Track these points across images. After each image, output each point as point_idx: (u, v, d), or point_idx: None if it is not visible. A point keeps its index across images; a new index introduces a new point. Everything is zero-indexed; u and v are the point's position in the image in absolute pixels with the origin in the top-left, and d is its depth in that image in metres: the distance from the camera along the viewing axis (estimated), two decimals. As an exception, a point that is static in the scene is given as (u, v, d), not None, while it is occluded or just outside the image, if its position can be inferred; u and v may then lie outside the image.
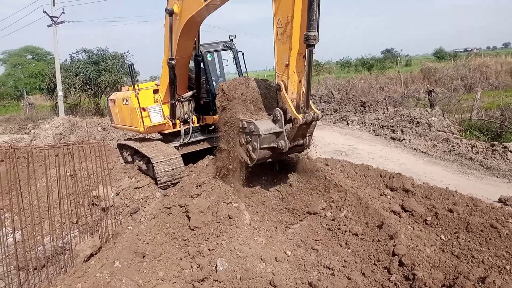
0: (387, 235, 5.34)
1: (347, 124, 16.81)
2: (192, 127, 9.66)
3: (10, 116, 32.79)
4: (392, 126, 14.47)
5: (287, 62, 5.68)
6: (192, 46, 8.87)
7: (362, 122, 16.33)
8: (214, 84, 9.60)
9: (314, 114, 5.92)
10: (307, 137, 6.32)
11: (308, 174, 7.03)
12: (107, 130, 17.20)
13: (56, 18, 27.99)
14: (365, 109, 17.93)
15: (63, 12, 28.34)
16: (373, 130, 14.97)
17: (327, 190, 6.58)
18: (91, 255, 6.13)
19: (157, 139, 9.93)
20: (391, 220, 5.64)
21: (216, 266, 4.91)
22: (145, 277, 4.72)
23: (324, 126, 17.15)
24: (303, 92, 5.85)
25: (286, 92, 5.83)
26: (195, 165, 9.08)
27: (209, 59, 9.66)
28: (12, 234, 7.31)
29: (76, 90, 32.35)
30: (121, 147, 10.57)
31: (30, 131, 22.11)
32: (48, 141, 16.76)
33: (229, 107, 6.59)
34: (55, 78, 28.32)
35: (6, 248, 6.70)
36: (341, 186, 6.52)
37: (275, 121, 6.00)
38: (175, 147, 9.20)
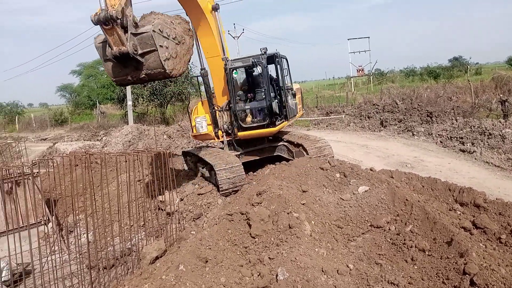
0: (457, 252, 5.06)
1: (413, 135, 16.23)
2: (235, 139, 9.79)
3: (84, 124, 35.24)
4: (462, 138, 13.75)
5: None
6: (214, 43, 9.14)
7: (428, 133, 15.69)
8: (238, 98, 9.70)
9: (107, 12, 5.51)
10: (126, 45, 5.82)
11: (371, 186, 6.86)
12: (172, 138, 17.87)
13: (127, 32, 29.62)
14: (431, 120, 17.20)
15: (133, 27, 29.95)
16: (441, 142, 14.34)
17: (391, 203, 6.37)
18: (157, 258, 6.37)
19: (220, 148, 10.20)
20: (461, 236, 5.34)
21: (276, 275, 4.91)
22: (208, 282, 4.83)
23: (388, 137, 16.67)
24: None
25: None
26: (255, 173, 9.19)
27: (235, 75, 9.57)
28: (85, 235, 7.81)
29: (144, 100, 34.05)
30: (185, 154, 10.95)
31: (101, 138, 23.56)
32: (118, 147, 17.73)
33: None
34: (125, 88, 29.94)
35: (80, 247, 7.16)
36: (406, 199, 6.28)
37: None
38: (236, 155, 9.38)
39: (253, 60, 9.15)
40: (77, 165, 10.00)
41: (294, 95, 10.12)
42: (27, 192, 7.96)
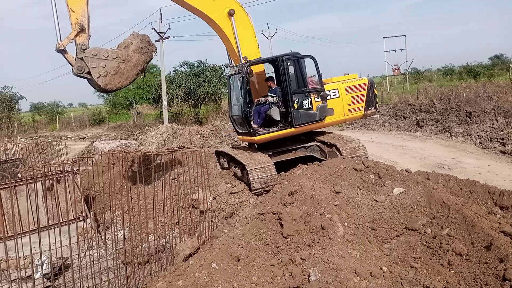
0: (496, 257, 4.88)
1: (450, 135, 15.75)
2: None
3: (120, 124, 36.18)
4: (502, 139, 13.23)
5: None
6: (232, 48, 9.69)
7: (467, 134, 15.18)
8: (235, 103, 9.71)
9: (56, 45, 7.70)
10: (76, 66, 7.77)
11: (407, 188, 6.71)
12: (205, 137, 18.08)
13: (163, 34, 30.22)
14: (470, 120, 16.63)
15: (169, 28, 30.54)
16: (480, 143, 13.85)
17: (427, 205, 6.21)
18: (190, 255, 6.48)
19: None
20: (501, 241, 5.14)
21: (308, 276, 4.88)
22: (240, 280, 4.86)
23: (424, 138, 16.25)
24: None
25: None
26: (287, 173, 9.15)
27: (232, 82, 9.73)
28: (121, 231, 8.03)
29: (178, 100, 34.65)
30: (218, 153, 11.04)
31: (138, 137, 24.12)
32: (153, 146, 18.12)
33: None
34: (161, 89, 30.55)
35: (116, 243, 7.37)
36: (443, 202, 6.11)
37: None
38: (268, 155, 9.37)
39: (236, 69, 9.18)
40: (114, 163, 10.28)
41: (323, 98, 9.54)
42: (67, 188, 8.27)
